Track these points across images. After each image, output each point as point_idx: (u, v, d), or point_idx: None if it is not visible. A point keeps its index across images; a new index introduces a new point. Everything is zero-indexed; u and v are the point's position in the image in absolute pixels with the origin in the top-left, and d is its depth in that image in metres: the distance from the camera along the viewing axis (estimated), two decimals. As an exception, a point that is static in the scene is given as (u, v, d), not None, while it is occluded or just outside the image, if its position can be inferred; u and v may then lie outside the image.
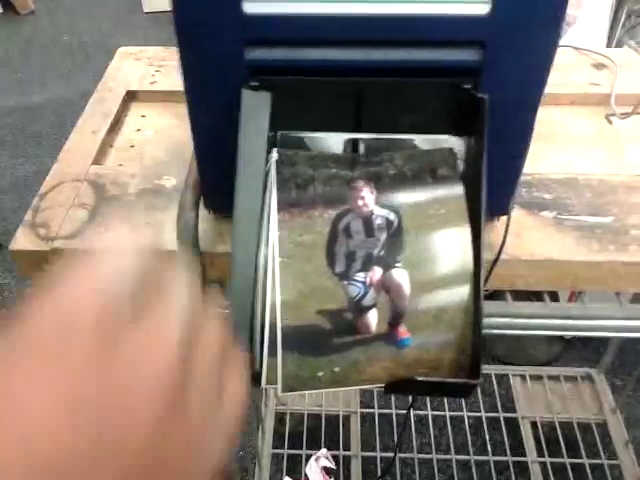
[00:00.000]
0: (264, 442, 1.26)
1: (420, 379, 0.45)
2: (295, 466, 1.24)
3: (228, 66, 0.47)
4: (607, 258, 0.56)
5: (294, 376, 0.45)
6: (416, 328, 0.46)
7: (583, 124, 0.75)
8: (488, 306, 0.60)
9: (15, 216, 1.98)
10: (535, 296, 0.63)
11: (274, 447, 1.27)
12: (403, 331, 0.46)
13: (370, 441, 1.29)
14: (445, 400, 1.34)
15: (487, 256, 0.56)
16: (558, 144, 0.71)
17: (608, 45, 1.02)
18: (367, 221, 0.47)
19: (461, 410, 1.31)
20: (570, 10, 1.40)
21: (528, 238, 0.58)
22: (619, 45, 0.97)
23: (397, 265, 0.46)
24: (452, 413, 1.31)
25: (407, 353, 0.46)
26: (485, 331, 0.60)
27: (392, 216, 0.47)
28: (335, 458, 1.24)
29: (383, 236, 0.46)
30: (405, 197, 0.47)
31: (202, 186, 0.56)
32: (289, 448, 1.26)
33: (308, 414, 1.30)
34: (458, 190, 0.47)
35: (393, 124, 0.48)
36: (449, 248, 0.46)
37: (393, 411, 1.32)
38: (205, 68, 0.47)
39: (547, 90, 0.78)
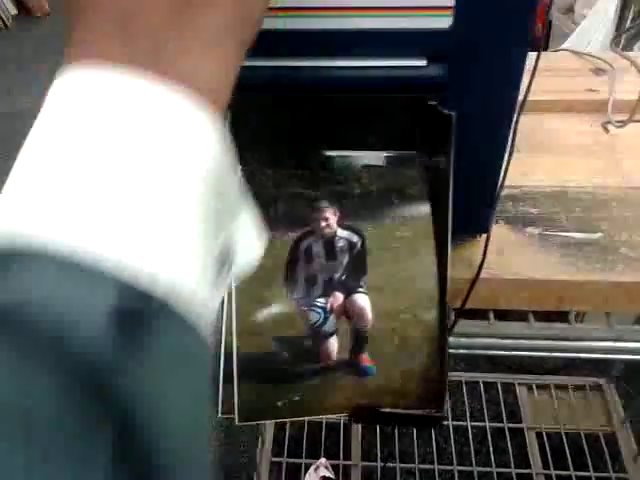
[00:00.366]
0: (263, 450, 1.25)
1: (384, 410, 0.43)
2: (295, 475, 1.22)
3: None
4: (592, 278, 0.53)
5: (252, 405, 0.43)
6: (379, 356, 0.44)
7: (578, 132, 0.72)
8: (469, 326, 0.57)
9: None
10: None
11: (273, 455, 1.25)
12: (365, 359, 0.44)
13: (372, 450, 1.27)
14: (449, 408, 1.31)
15: (467, 275, 0.54)
16: (550, 154, 0.68)
17: (615, 47, 0.99)
18: (329, 244, 0.45)
19: (465, 419, 1.29)
20: (580, 9, 1.36)
21: (511, 256, 0.56)
22: (626, 48, 0.94)
23: (359, 290, 0.44)
24: (455, 422, 1.28)
25: (370, 382, 0.44)
26: (465, 352, 0.58)
27: (355, 238, 0.45)
28: (335, 467, 1.22)
29: (345, 259, 0.44)
30: (370, 218, 0.45)
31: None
32: (289, 456, 1.25)
33: (309, 421, 1.28)
34: (425, 212, 0.45)
35: (359, 141, 0.46)
36: (414, 273, 0.44)
37: (396, 419, 1.29)
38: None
39: (542, 97, 0.75)
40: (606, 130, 0.71)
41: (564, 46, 1.09)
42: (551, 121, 0.73)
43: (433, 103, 0.43)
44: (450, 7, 0.40)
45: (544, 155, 0.68)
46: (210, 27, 0.23)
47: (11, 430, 0.16)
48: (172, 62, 0.21)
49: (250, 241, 0.27)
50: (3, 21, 3.23)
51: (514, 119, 0.47)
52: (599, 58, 0.80)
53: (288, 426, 1.29)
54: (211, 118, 0.22)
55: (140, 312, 0.18)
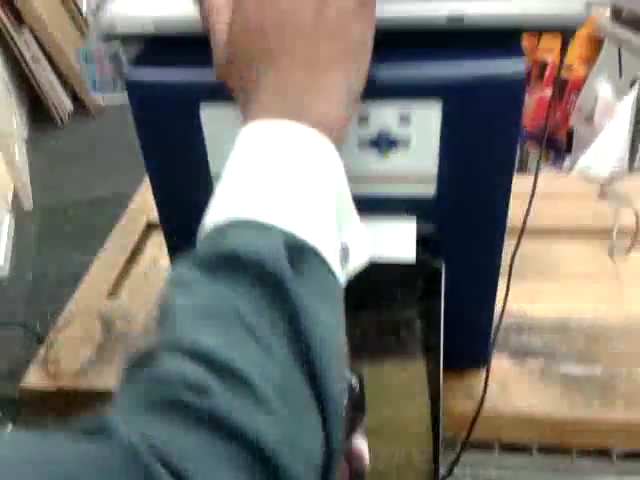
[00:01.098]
0: None
1: None
2: None
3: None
4: (591, 415, 0.55)
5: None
6: (376, 497, 0.46)
7: (584, 258, 0.74)
8: (472, 457, 0.59)
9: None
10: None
11: None
12: (363, 500, 0.46)
13: None
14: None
15: (469, 407, 0.56)
16: (556, 280, 0.71)
17: (630, 167, 1.02)
18: (329, 387, 0.48)
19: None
20: (599, 120, 1.41)
21: (513, 389, 0.58)
22: None
23: (357, 433, 0.47)
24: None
25: (367, 522, 0.46)
26: (469, 484, 0.59)
27: (354, 381, 0.48)
28: None
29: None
30: (369, 361, 0.49)
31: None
32: None
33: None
34: (419, 355, 0.48)
35: (355, 289, 0.50)
36: (408, 416, 0.47)
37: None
38: (186, 242, 0.52)
39: (549, 221, 0.79)
40: (612, 256, 0.74)
41: (580, 161, 1.13)
42: (558, 246, 0.76)
43: (423, 257, 0.47)
44: (433, 177, 0.45)
45: (550, 281, 0.71)
46: (333, 83, 0.35)
47: (230, 318, 0.27)
48: (311, 110, 0.34)
49: (359, 245, 0.37)
50: (60, 117, 3.45)
51: (513, 245, 0.51)
52: (607, 182, 0.84)
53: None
54: (335, 145, 0.35)
55: (300, 252, 0.30)
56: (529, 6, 0.40)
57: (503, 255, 0.50)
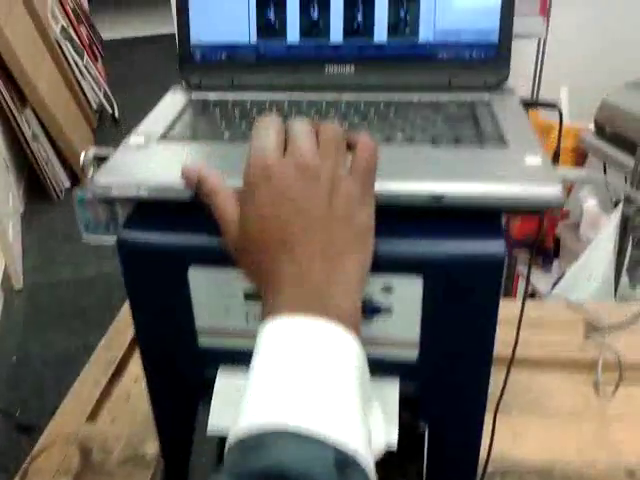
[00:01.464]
0: None
1: None
2: None
3: (190, 386, 0.50)
4: None
5: None
6: None
7: (569, 392, 0.74)
8: None
9: (54, 394, 2.00)
10: None
11: None
12: None
13: None
14: None
15: None
16: (541, 416, 0.71)
17: (615, 290, 1.03)
18: None
19: None
20: (586, 231, 1.44)
21: None
22: (624, 296, 0.98)
23: None
24: None
25: None
26: None
27: None
28: None
29: None
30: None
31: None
32: None
33: None
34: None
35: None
36: None
37: None
38: (169, 389, 0.52)
39: (534, 352, 0.79)
40: (597, 392, 0.74)
41: (565, 279, 1.14)
42: (543, 378, 0.76)
43: (407, 417, 0.47)
44: (416, 342, 0.45)
45: (535, 417, 0.71)
46: (349, 270, 0.36)
47: None
48: (333, 303, 0.35)
49: (379, 430, 0.38)
50: (57, 194, 3.47)
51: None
52: (591, 315, 0.84)
53: None
54: (354, 335, 0.35)
55: (346, 464, 0.30)
56: (506, 190, 0.42)
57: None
